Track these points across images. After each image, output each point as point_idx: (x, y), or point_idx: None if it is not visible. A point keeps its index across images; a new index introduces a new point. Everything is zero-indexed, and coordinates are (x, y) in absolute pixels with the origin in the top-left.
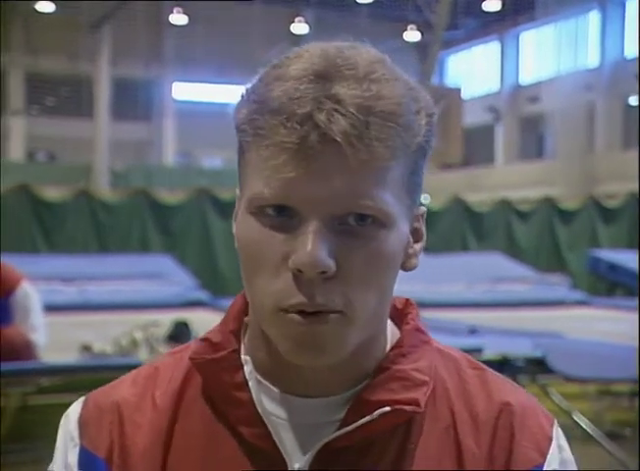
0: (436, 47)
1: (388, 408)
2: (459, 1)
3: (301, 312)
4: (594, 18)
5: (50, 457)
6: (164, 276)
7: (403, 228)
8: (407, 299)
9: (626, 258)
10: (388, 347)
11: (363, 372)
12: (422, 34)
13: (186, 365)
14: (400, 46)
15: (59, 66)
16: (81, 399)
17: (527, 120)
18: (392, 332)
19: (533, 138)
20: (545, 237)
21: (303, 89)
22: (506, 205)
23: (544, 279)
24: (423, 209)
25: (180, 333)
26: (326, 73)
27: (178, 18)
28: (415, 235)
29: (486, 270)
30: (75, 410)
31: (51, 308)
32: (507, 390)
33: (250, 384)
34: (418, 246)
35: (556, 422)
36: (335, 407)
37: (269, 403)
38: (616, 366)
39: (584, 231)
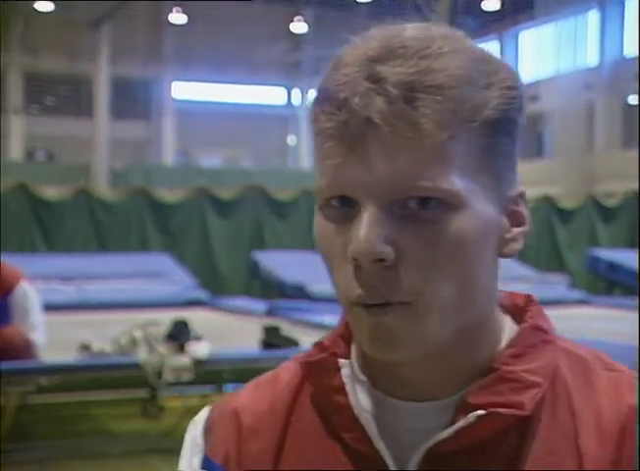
0: None
1: (482, 412)
2: (459, 0)
3: (366, 304)
4: (593, 17)
5: (50, 457)
6: (163, 275)
7: (483, 209)
8: (528, 296)
9: (625, 257)
10: (502, 347)
11: (471, 374)
12: None
13: (302, 369)
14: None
15: (58, 65)
16: (208, 407)
17: (527, 119)
18: (509, 331)
19: (532, 137)
20: (544, 237)
21: (350, 74)
22: None
23: (543, 278)
24: (521, 190)
25: (179, 332)
26: (377, 56)
27: (177, 17)
28: (514, 217)
29: None
30: (202, 417)
31: (50, 307)
32: None
33: (348, 387)
34: (519, 230)
35: None
36: (440, 411)
37: (369, 406)
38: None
39: (583, 230)
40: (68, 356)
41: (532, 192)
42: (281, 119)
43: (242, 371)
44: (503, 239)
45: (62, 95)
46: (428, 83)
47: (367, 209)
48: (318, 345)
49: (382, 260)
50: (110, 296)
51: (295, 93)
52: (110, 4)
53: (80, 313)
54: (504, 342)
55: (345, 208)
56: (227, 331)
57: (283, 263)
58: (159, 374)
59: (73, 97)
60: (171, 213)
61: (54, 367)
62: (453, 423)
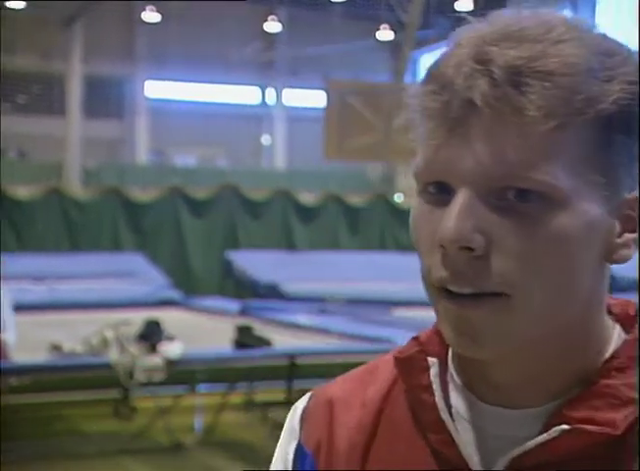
0: (408, 46)
1: (567, 426)
2: (432, 0)
3: (450, 293)
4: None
5: (21, 458)
6: (136, 274)
7: (590, 210)
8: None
9: None
10: (606, 358)
11: (568, 384)
12: (395, 34)
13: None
14: (372, 45)
15: (30, 63)
16: (309, 394)
17: None
18: (617, 341)
19: None
20: None
21: (459, 54)
22: None
23: None
24: (637, 194)
25: (151, 332)
26: (491, 38)
27: (150, 16)
28: (627, 222)
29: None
30: (301, 405)
31: (21, 307)
32: None
33: (435, 386)
34: (632, 236)
35: None
36: (531, 421)
37: (461, 408)
38: None
39: None
40: (38, 356)
41: None
42: (255, 118)
43: (215, 371)
44: (612, 244)
45: (34, 94)
46: (538, 68)
47: (461, 195)
48: (415, 340)
49: (470, 249)
50: (82, 296)
51: (270, 93)
52: (82, 2)
53: (51, 313)
54: (609, 353)
55: (442, 194)
56: (200, 330)
57: (256, 263)
58: (131, 374)
59: (45, 96)
60: (144, 212)
61: (24, 367)
62: (542, 434)
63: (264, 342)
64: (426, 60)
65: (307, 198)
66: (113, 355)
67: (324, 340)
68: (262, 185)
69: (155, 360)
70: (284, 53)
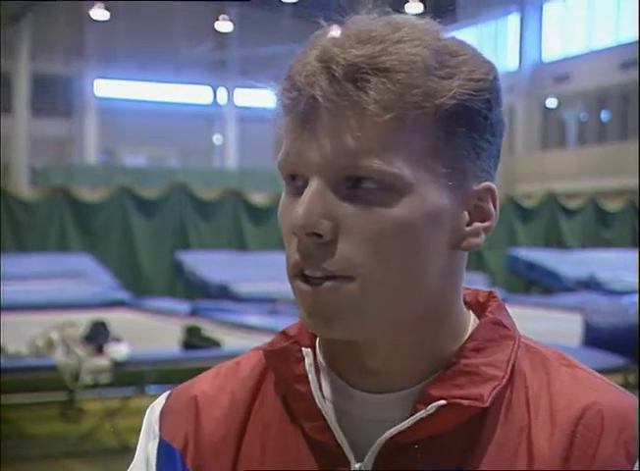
0: None
1: (443, 402)
2: (380, 2)
3: (305, 277)
4: (513, 20)
5: None
6: (84, 275)
7: (434, 198)
8: (491, 292)
9: (543, 257)
10: (463, 342)
11: (431, 367)
12: None
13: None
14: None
15: None
16: (166, 393)
17: None
18: (472, 326)
19: None
20: None
21: (307, 54)
22: None
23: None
24: (487, 185)
25: (97, 333)
26: (338, 41)
27: (99, 13)
28: (476, 212)
29: None
30: (159, 403)
31: None
32: (601, 389)
33: (310, 376)
34: (482, 225)
35: None
36: (401, 403)
37: (332, 395)
38: None
39: (503, 229)
40: None
41: None
42: (207, 118)
43: (163, 372)
44: (460, 232)
45: None
46: (376, 66)
47: (311, 184)
48: (282, 334)
49: (319, 235)
50: (28, 297)
51: (221, 92)
52: None
53: None
54: (466, 337)
55: (298, 186)
56: (148, 332)
57: (207, 263)
58: (77, 376)
59: None
60: (93, 213)
61: None
62: (412, 414)
63: (213, 343)
64: None
65: (258, 198)
66: (59, 357)
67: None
68: (213, 185)
69: (102, 362)
70: (235, 52)
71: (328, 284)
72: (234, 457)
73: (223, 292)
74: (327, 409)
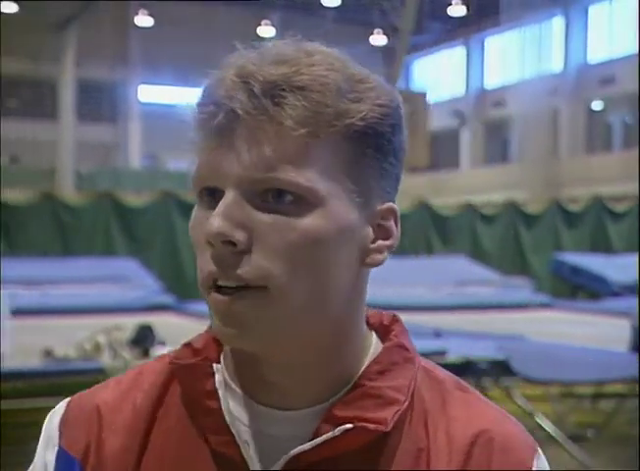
0: (402, 51)
1: (350, 425)
2: (425, 6)
3: (219, 288)
4: (558, 23)
5: (11, 463)
6: (129, 279)
7: (344, 213)
8: (394, 315)
9: (589, 261)
10: (367, 363)
11: (336, 386)
12: (388, 38)
13: (171, 369)
14: (366, 50)
15: (23, 67)
16: (66, 400)
17: (492, 124)
18: (375, 347)
19: (498, 143)
20: (509, 241)
21: (225, 72)
22: (470, 209)
23: (508, 282)
24: (390, 205)
25: (143, 337)
26: (253, 61)
27: (143, 20)
28: (380, 230)
29: (450, 273)
30: (58, 411)
31: (13, 312)
32: (490, 415)
33: (220, 393)
34: (385, 243)
35: (539, 452)
36: (305, 421)
37: (238, 411)
38: (579, 369)
39: (548, 234)
40: (31, 361)
41: (497, 197)
42: None
43: None
44: (366, 249)
45: (27, 98)
46: (293, 84)
47: (227, 195)
48: (188, 347)
49: (233, 244)
50: (74, 301)
51: None
52: (76, 6)
53: (43, 318)
54: (369, 358)
55: (214, 199)
56: (192, 335)
57: None
58: None
59: (38, 100)
60: (137, 217)
61: (17, 372)
62: (316, 433)
63: None
64: (420, 65)
65: None
66: (106, 360)
67: None
68: None
69: None
70: None
71: (241, 293)
72: (134, 467)
73: None
74: (235, 425)
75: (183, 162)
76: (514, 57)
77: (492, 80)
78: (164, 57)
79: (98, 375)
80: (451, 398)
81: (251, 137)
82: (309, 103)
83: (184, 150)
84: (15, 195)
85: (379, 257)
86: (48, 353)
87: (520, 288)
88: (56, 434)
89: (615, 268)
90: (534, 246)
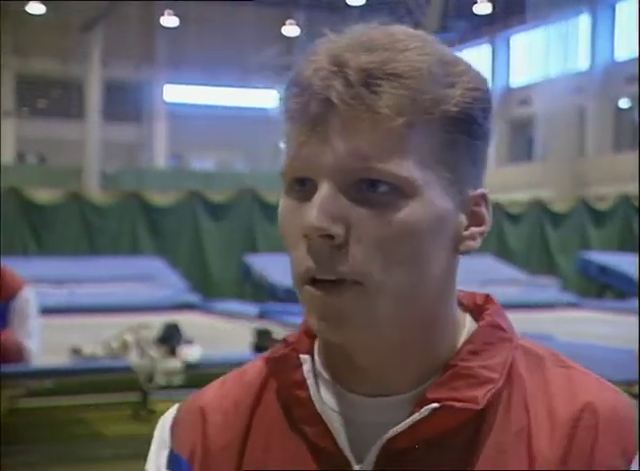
0: None
1: (436, 404)
2: (450, 4)
3: (315, 282)
4: (584, 21)
5: (40, 460)
6: (155, 278)
7: (439, 202)
8: (488, 295)
9: (617, 260)
10: (460, 344)
11: (429, 370)
12: None
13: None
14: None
15: (50, 67)
16: (178, 404)
17: (518, 122)
18: (468, 328)
19: (523, 141)
20: (535, 240)
21: (317, 61)
22: (496, 207)
23: (534, 281)
24: (482, 191)
25: (170, 335)
26: (345, 46)
27: (169, 20)
28: (473, 217)
29: (476, 272)
30: (170, 414)
31: (41, 311)
32: (596, 389)
33: (309, 382)
34: (477, 230)
35: None
36: (399, 407)
37: (331, 401)
38: (607, 368)
39: (574, 233)
40: (59, 360)
41: (523, 196)
42: (273, 122)
43: None
44: (459, 236)
45: (53, 98)
46: (388, 71)
47: (322, 187)
48: (284, 341)
49: (331, 237)
50: (101, 300)
51: None
52: (102, 6)
53: (71, 316)
54: (462, 340)
55: (306, 190)
56: (218, 334)
57: (275, 266)
58: (150, 377)
59: (64, 100)
60: (163, 216)
61: (45, 371)
62: (409, 418)
63: None
64: None
65: None
66: (133, 358)
67: None
68: (280, 189)
69: (175, 363)
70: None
71: (339, 287)
72: (237, 462)
73: (291, 295)
74: (327, 414)
75: (207, 161)
76: (540, 55)
77: (518, 79)
78: (189, 57)
79: (125, 373)
80: (551, 376)
81: (347, 127)
82: (406, 91)
83: (208, 150)
84: (42, 195)
85: (472, 244)
86: (76, 352)
87: (547, 288)
88: (167, 436)
89: None
90: (561, 245)
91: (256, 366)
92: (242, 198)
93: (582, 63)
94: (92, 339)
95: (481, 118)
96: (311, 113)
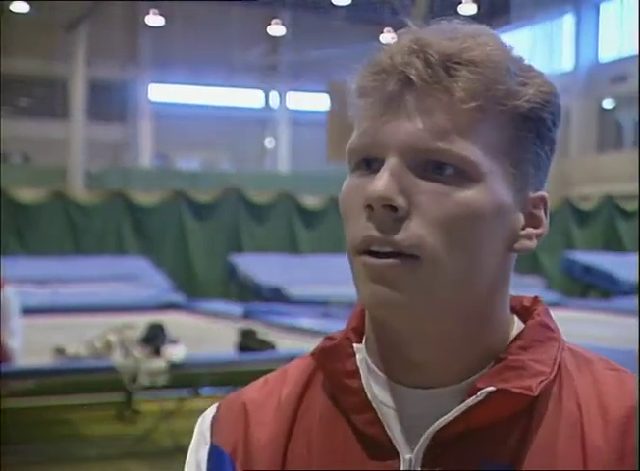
0: None
1: (493, 388)
2: (435, 4)
3: (374, 253)
4: (568, 21)
5: (24, 461)
6: (139, 278)
7: (501, 192)
8: (535, 297)
9: (601, 260)
10: (510, 341)
11: (478, 363)
12: None
13: (314, 366)
14: (376, 48)
15: (34, 66)
16: (217, 403)
17: None
18: (517, 328)
19: None
20: None
21: (399, 44)
22: None
23: (519, 280)
24: (542, 194)
25: (154, 335)
26: (427, 34)
27: (154, 19)
28: (531, 218)
29: None
30: (210, 412)
31: (24, 311)
32: None
33: (362, 371)
34: (534, 231)
35: None
36: (449, 398)
37: (380, 392)
38: None
39: (559, 233)
40: (42, 360)
41: None
42: (259, 122)
43: (218, 374)
44: (516, 234)
45: (37, 97)
46: (467, 58)
47: (390, 161)
48: (329, 338)
49: (394, 209)
50: (86, 300)
51: (273, 96)
52: (86, 5)
53: (55, 316)
54: (511, 338)
55: (372, 168)
56: (203, 334)
57: (260, 266)
58: (134, 378)
59: (48, 99)
60: (148, 216)
61: (28, 371)
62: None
63: (268, 346)
64: None
65: (311, 201)
66: (117, 359)
67: None
68: (266, 189)
69: (159, 364)
70: (287, 56)
71: (394, 260)
72: (281, 459)
73: (276, 295)
74: (377, 404)
75: (193, 161)
76: (525, 55)
77: None
78: (174, 56)
79: (109, 373)
80: (601, 376)
81: (421, 106)
82: (482, 78)
83: (194, 149)
84: (26, 195)
85: (528, 244)
86: (59, 352)
87: (531, 287)
88: (208, 432)
89: (627, 267)
90: (545, 245)
91: (298, 365)
92: (228, 198)
93: (567, 63)
94: (76, 339)
95: (550, 122)
96: (388, 89)
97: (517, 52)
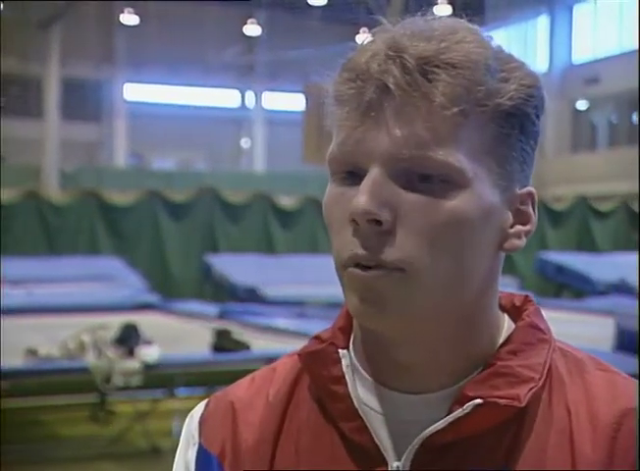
0: None
1: (480, 400)
2: (410, 4)
3: (360, 266)
4: (543, 22)
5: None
6: (114, 278)
7: (488, 195)
8: (526, 296)
9: (574, 260)
10: (499, 344)
11: (467, 369)
12: None
13: (301, 362)
14: (352, 48)
15: (7, 65)
16: (205, 401)
17: None
18: (507, 329)
19: None
20: None
21: (374, 47)
22: None
23: None
24: (530, 190)
25: (128, 336)
26: (402, 35)
27: (129, 18)
28: (519, 215)
29: None
30: (198, 411)
31: None
32: (635, 392)
33: (347, 377)
34: (523, 229)
35: None
36: (437, 404)
37: (367, 396)
38: None
39: (532, 233)
40: (14, 361)
41: None
42: (234, 121)
43: (193, 375)
44: (505, 233)
45: (11, 96)
46: (445, 61)
47: (372, 172)
48: (316, 338)
49: (379, 223)
50: (60, 300)
51: (249, 96)
52: (60, 4)
53: (28, 317)
54: (501, 340)
55: (353, 178)
56: (178, 334)
57: (235, 266)
58: (108, 378)
59: (22, 98)
60: (122, 216)
61: (1, 372)
62: (449, 414)
63: (243, 346)
64: None
65: (286, 202)
66: (90, 359)
67: (303, 344)
68: (241, 189)
69: (133, 364)
70: (263, 56)
71: (380, 272)
72: (270, 460)
73: (251, 295)
74: (364, 410)
75: (168, 161)
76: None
77: None
78: (149, 55)
79: (82, 374)
80: (591, 378)
81: (401, 114)
82: (461, 81)
83: (169, 149)
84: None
85: (517, 242)
86: (32, 352)
87: (505, 287)
88: (196, 433)
89: (600, 267)
90: None
91: (286, 363)
92: (203, 198)
93: (541, 64)
94: (50, 339)
95: (533, 115)
96: (366, 97)
97: (495, 44)
